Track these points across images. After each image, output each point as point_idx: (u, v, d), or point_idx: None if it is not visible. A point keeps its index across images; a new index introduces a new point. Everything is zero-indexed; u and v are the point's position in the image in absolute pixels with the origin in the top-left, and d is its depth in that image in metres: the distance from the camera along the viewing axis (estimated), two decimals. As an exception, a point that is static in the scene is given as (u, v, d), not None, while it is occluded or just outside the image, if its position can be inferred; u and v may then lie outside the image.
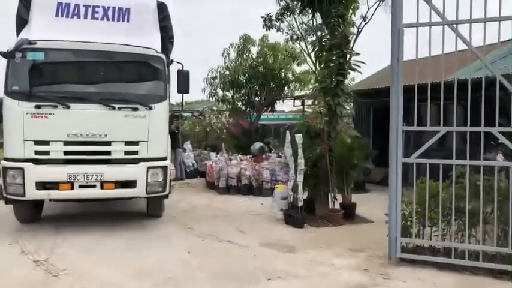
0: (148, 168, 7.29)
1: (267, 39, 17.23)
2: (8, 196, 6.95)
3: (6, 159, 6.92)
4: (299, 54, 17.61)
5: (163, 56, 7.60)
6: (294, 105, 19.28)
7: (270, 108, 18.86)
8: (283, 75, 17.71)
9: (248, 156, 14.32)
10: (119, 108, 7.13)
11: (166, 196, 7.76)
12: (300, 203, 7.94)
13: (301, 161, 7.92)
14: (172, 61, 8.04)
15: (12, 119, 6.86)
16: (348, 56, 8.35)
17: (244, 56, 17.52)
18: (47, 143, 6.92)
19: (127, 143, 7.24)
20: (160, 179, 7.44)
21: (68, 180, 6.95)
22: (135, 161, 7.27)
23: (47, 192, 6.95)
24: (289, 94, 18.49)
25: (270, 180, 11.24)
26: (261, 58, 17.28)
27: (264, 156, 14.63)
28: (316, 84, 8.87)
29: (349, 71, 8.42)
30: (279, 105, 20.03)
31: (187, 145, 15.99)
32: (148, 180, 7.31)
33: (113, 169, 7.16)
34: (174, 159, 13.87)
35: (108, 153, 7.17)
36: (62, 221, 8.00)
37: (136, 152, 7.28)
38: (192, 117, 23.90)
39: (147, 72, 7.63)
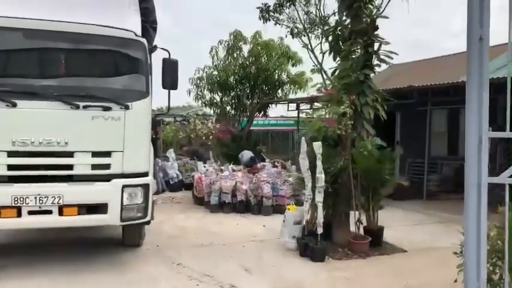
0: (124, 187, 5.50)
1: (260, 36, 15.58)
2: None
3: None
4: (294, 54, 16.02)
5: (144, 40, 5.84)
6: (288, 110, 17.63)
7: (262, 113, 17.20)
8: (277, 76, 16.09)
9: (240, 167, 12.60)
10: (85, 108, 5.33)
11: (148, 222, 5.96)
12: (320, 230, 6.23)
13: (321, 176, 6.23)
14: (155, 47, 6.30)
15: None
16: (377, 45, 6.71)
17: (235, 54, 15.85)
18: (-20, 153, 5.07)
19: (95, 154, 5.43)
20: (140, 201, 5.64)
21: (14, 204, 5.10)
22: (106, 178, 5.47)
23: (-18, 220, 5.09)
24: (283, 97, 16.86)
25: (272, 196, 9.51)
26: (253, 57, 15.63)
27: (259, 166, 12.95)
28: (316, 87, 7.21)
29: (378, 63, 6.77)
30: (272, 110, 18.40)
31: (171, 153, 14.16)
32: (124, 203, 5.52)
33: (75, 189, 5.34)
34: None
35: (70, 167, 5.35)
36: (6, 253, 6.11)
37: (107, 166, 5.48)
38: (175, 123, 22.06)
39: (124, 61, 5.85)
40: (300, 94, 16.73)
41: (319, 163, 6.25)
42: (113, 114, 5.45)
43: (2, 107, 5.07)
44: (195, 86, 16.25)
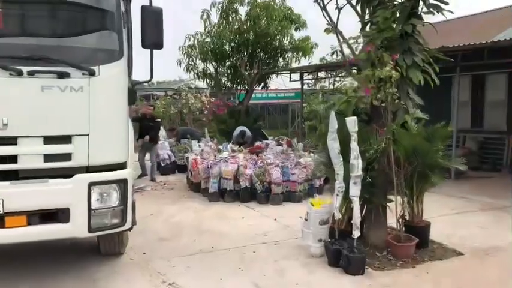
0: (92, 184, 3.94)
1: (259, -5, 13.75)
2: None
3: None
4: (298, 16, 14.25)
5: (114, -21, 4.18)
6: (290, 80, 15.97)
7: (262, 85, 15.53)
8: (278, 42, 14.34)
9: (241, 147, 11.05)
10: (31, 74, 3.71)
11: (129, 229, 4.42)
12: (357, 233, 4.74)
13: (357, 162, 4.69)
14: (132, -9, 4.66)
15: None
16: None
17: (230, 18, 14.02)
18: None
19: (49, 140, 3.84)
20: (115, 203, 4.09)
21: None
22: (66, 174, 3.91)
23: None
24: (285, 66, 15.15)
25: (282, 182, 7.98)
26: (251, 21, 13.82)
27: (260, 144, 11.40)
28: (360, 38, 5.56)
29: (429, 10, 5.10)
30: (272, 81, 16.69)
31: (161, 132, 12.53)
32: (93, 207, 3.97)
33: (22, 189, 3.77)
34: (142, 156, 10.51)
35: (12, 159, 3.77)
36: None
37: (67, 157, 3.90)
38: (166, 97, 20.34)
39: (86, 9, 4.18)
40: (304, 63, 15.06)
41: (354, 145, 4.70)
42: (72, 83, 3.84)
43: None
44: (186, 55, 14.46)
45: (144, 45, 4.38)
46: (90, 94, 3.90)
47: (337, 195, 4.88)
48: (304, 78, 15.78)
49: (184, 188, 9.75)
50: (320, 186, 8.51)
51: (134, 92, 4.53)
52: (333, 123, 4.81)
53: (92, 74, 3.90)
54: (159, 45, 4.43)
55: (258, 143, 11.69)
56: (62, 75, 3.80)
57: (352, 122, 4.70)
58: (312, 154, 9.39)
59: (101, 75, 3.94)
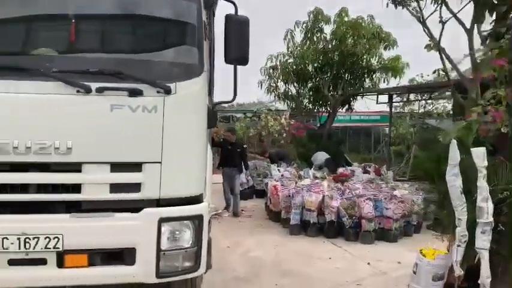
0: (163, 221, 3.34)
1: (347, 14, 12.96)
2: None
3: None
4: (388, 35, 13.25)
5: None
6: (377, 103, 14.87)
7: (346, 107, 14.61)
8: (365, 62, 13.40)
9: (324, 173, 10.20)
10: (100, 91, 3.21)
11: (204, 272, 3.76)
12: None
13: (486, 205, 3.69)
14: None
15: None
16: None
17: (315, 38, 13.36)
18: None
19: (116, 168, 3.30)
20: (188, 244, 3.45)
21: (-16, 249, 3.12)
22: (134, 207, 3.34)
23: None
24: (373, 87, 14.12)
25: (374, 217, 7.00)
26: (337, 40, 13.05)
27: (347, 172, 10.46)
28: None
29: None
30: (357, 103, 15.66)
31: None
32: (163, 248, 3.36)
33: (83, 224, 3.25)
34: (226, 187, 9.01)
35: (75, 188, 3.27)
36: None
37: (135, 187, 3.32)
38: (245, 119, 20.02)
39: (162, 19, 3.66)
40: (392, 83, 13.94)
41: (483, 183, 3.71)
42: (145, 102, 3.29)
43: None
44: (267, 77, 14.00)
45: (227, 60, 3.77)
46: (164, 115, 3.33)
47: (459, 245, 3.87)
48: (393, 100, 14.62)
49: (262, 216, 9.07)
50: (418, 224, 7.41)
51: (215, 113, 3.92)
52: (454, 155, 3.85)
53: (167, 91, 3.33)
54: (244, 60, 3.80)
55: (341, 170, 10.77)
56: (134, 93, 3.27)
57: (480, 155, 3.73)
58: (406, 185, 8.33)
59: (177, 93, 3.36)
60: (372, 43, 12.91)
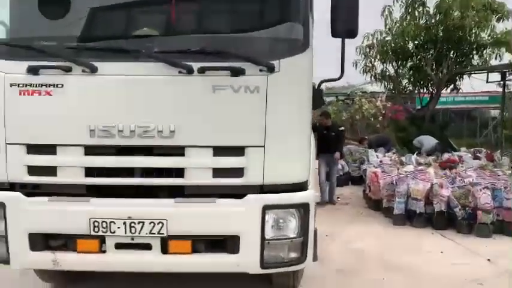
0: (266, 208, 3.13)
1: (452, -16, 11.80)
2: (-16, 259, 3.41)
3: (-19, 183, 3.37)
4: (501, 6, 11.86)
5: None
6: (487, 81, 13.48)
7: (451, 87, 13.43)
8: (474, 37, 12.13)
9: (429, 159, 9.41)
10: (202, 72, 3.05)
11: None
12: None
13: None
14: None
15: (-16, 98, 3.26)
16: None
17: (416, 12, 12.36)
18: (50, 149, 3.17)
19: (218, 151, 3.15)
20: (293, 233, 3.22)
21: (93, 232, 3.13)
22: (236, 193, 3.17)
23: (51, 255, 3.23)
24: (483, 64, 12.79)
25: (493, 209, 6.25)
26: (441, 14, 11.95)
27: (453, 158, 9.55)
28: None
29: None
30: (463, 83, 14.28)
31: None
32: (267, 237, 3.15)
33: (187, 210, 3.15)
34: (323, 174, 8.39)
35: (179, 173, 3.17)
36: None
37: (238, 172, 3.15)
38: (337, 102, 19.37)
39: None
40: (506, 60, 12.48)
41: None
42: (247, 81, 3.08)
43: (76, 73, 3.09)
44: (363, 56, 13.28)
45: (334, 33, 3.41)
46: (267, 95, 3.09)
47: None
48: (506, 78, 13.15)
49: (360, 204, 8.62)
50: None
51: (320, 92, 3.60)
52: None
53: (270, 69, 3.08)
54: (352, 33, 3.42)
55: (447, 156, 9.86)
56: (236, 72, 3.07)
57: None
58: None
59: (281, 71, 3.11)
60: (483, 15, 11.58)
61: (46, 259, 3.21)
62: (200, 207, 3.14)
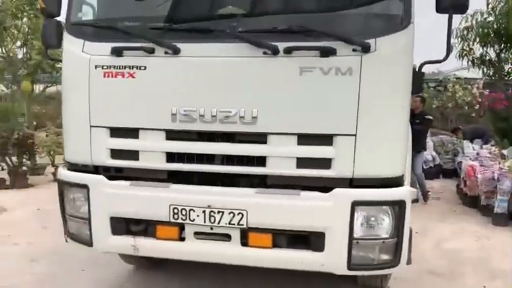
0: (356, 204, 2.82)
1: None
2: (68, 239, 3.47)
3: (67, 165, 3.41)
4: None
5: None
6: None
7: None
8: None
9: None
10: (288, 52, 2.79)
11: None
12: None
13: None
14: None
15: (72, 80, 3.26)
16: None
17: (525, -11, 11.04)
18: (132, 133, 3.12)
19: (303, 139, 2.89)
20: (386, 233, 2.88)
21: (173, 219, 3.04)
22: (323, 185, 2.89)
23: (131, 240, 3.19)
24: None
25: None
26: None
27: None
28: None
29: None
30: None
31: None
32: (355, 235, 2.85)
33: (269, 201, 2.94)
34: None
35: (260, 161, 2.96)
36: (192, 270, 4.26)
37: (325, 163, 2.86)
38: (427, 89, 18.10)
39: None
40: None
41: None
42: (339, 62, 2.77)
43: (159, 55, 2.98)
44: (459, 39, 12.19)
45: (439, 8, 2.96)
46: (361, 78, 2.76)
47: None
48: None
49: (453, 200, 7.94)
50: None
51: (421, 75, 3.18)
52: None
53: (365, 49, 2.74)
54: (462, 7, 2.95)
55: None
56: (326, 53, 2.77)
57: None
58: None
59: (377, 51, 2.76)
60: None
61: (126, 244, 3.18)
62: (283, 199, 2.91)
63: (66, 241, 3.46)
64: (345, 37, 2.75)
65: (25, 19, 10.30)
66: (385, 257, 2.91)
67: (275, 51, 2.81)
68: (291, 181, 2.95)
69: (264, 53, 2.83)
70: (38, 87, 12.52)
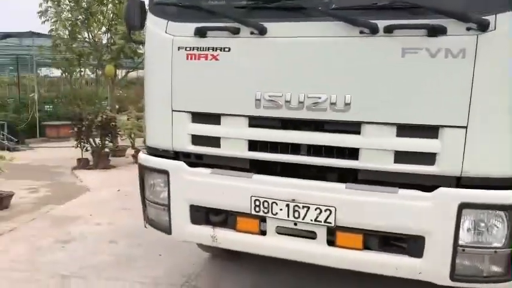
0: (464, 207, 2.45)
1: None
2: (147, 225, 3.41)
3: (148, 149, 3.34)
4: None
5: None
6: None
7: None
8: None
9: None
10: (389, 31, 2.46)
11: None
12: None
13: None
14: None
15: (154, 62, 3.16)
16: None
17: None
18: (214, 119, 2.95)
19: (403, 130, 2.54)
20: (499, 242, 2.48)
21: (254, 212, 2.85)
22: (424, 183, 2.55)
23: (211, 231, 3.05)
24: None
25: None
26: None
27: None
28: None
29: None
30: None
31: None
32: (461, 242, 2.48)
33: (362, 198, 2.63)
34: None
35: (352, 154, 2.66)
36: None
37: (429, 158, 2.51)
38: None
39: None
40: None
41: None
42: (449, 43, 2.39)
43: (244, 35, 2.78)
44: None
45: None
46: (476, 61, 2.37)
47: None
48: None
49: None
50: None
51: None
52: None
53: (483, 27, 2.34)
54: None
55: None
56: (435, 32, 2.40)
57: None
58: None
59: (497, 29, 2.34)
60: None
61: (205, 234, 3.05)
62: (377, 197, 2.60)
63: (145, 227, 3.41)
64: (458, 13, 2.36)
65: (110, 5, 10.62)
66: (495, 269, 2.52)
67: (374, 30, 2.49)
68: (386, 177, 2.63)
69: (361, 32, 2.52)
70: (120, 72, 13.00)
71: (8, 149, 11.63)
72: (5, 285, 3.83)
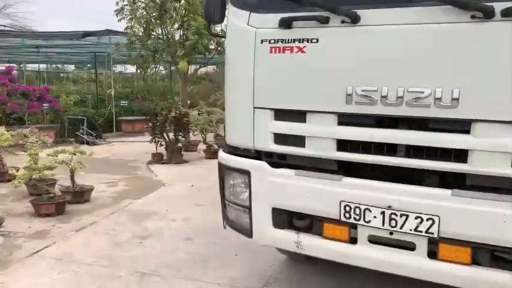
0: None
1: None
2: (227, 226, 3.27)
3: (228, 148, 3.19)
4: None
5: None
6: None
7: None
8: None
9: None
10: (507, 14, 2.11)
11: None
12: None
13: None
14: None
15: (236, 57, 2.99)
16: None
17: None
18: (299, 116, 2.74)
19: (521, 129, 2.19)
20: None
21: (343, 218, 2.61)
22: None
23: (295, 236, 2.85)
24: None
25: None
26: None
27: None
28: None
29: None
30: None
31: None
32: None
33: (470, 207, 2.30)
34: None
35: (459, 155, 2.34)
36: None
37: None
38: None
39: None
40: None
41: None
42: None
43: (334, 25, 2.53)
44: None
45: None
46: None
47: None
48: None
49: None
50: None
51: None
52: None
53: None
54: None
55: None
56: None
57: None
58: None
59: None
60: None
61: (289, 239, 2.85)
62: (490, 206, 2.26)
63: (225, 227, 3.28)
64: None
65: (182, 1, 10.73)
66: None
67: (489, 14, 2.15)
68: (498, 183, 2.28)
69: (473, 16, 2.19)
70: (191, 68, 13.17)
71: (88, 143, 12.22)
72: (88, 281, 3.89)
